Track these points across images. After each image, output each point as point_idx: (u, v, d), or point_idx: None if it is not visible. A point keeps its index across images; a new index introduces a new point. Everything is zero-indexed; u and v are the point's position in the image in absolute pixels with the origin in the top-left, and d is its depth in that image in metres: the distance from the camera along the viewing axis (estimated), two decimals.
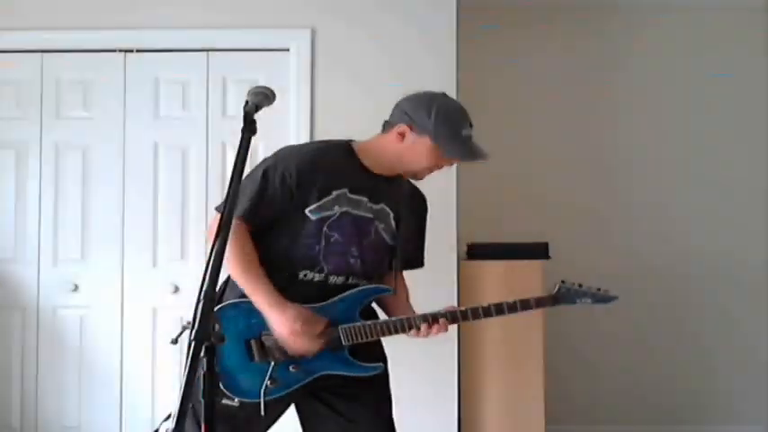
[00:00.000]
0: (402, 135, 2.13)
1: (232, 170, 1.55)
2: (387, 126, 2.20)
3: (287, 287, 2.05)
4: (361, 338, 2.09)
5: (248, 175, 2.07)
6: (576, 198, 4.40)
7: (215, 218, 2.08)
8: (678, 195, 4.40)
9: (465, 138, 2.13)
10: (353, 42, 3.61)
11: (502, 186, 4.34)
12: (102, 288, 3.62)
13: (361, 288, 2.13)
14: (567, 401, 4.12)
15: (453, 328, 3.49)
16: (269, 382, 2.02)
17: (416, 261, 2.35)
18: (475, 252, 3.65)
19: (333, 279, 2.10)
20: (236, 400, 2.03)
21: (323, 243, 2.07)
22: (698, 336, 4.36)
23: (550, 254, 3.64)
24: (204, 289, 1.40)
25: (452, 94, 3.55)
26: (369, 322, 2.11)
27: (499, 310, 2.16)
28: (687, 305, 4.36)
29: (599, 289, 2.21)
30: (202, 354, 1.39)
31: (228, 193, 1.52)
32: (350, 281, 2.12)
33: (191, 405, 1.43)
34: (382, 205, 2.17)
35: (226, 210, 1.53)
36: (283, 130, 3.56)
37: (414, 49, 3.60)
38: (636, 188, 4.42)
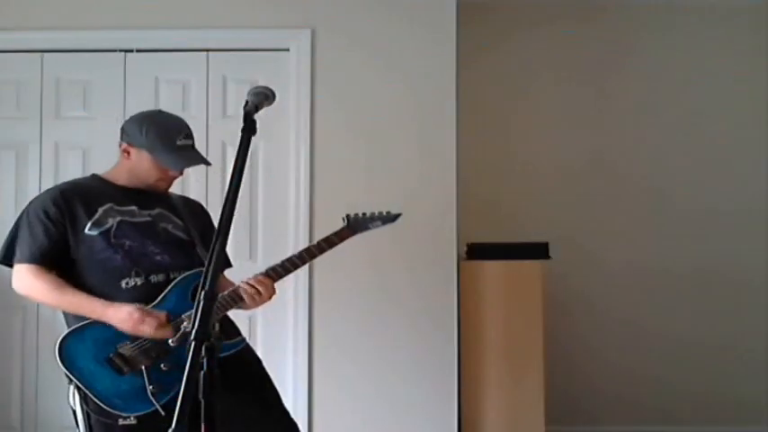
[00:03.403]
0: (127, 152, 2.30)
1: (232, 170, 1.55)
2: (119, 147, 2.35)
3: (117, 300, 2.14)
4: None
5: (13, 229, 2.23)
6: (576, 198, 4.39)
7: (18, 272, 2.21)
8: (678, 195, 4.40)
9: (180, 147, 2.28)
10: (353, 42, 3.61)
11: (502, 186, 4.34)
12: None
13: (181, 277, 2.23)
14: (567, 401, 4.12)
15: (453, 327, 3.52)
16: (151, 387, 2.10)
17: (224, 262, 2.45)
18: (475, 252, 3.65)
19: (153, 278, 2.21)
20: (131, 417, 2.09)
21: (121, 251, 2.19)
22: (698, 336, 4.36)
23: (550, 254, 3.64)
24: (204, 289, 1.41)
25: (452, 93, 3.60)
26: None
27: (309, 253, 2.30)
28: (687, 305, 4.36)
29: (381, 212, 2.42)
30: (202, 354, 1.39)
31: (228, 195, 1.52)
32: (171, 276, 2.23)
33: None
34: (158, 209, 2.32)
35: (226, 209, 1.52)
36: (283, 130, 3.57)
37: (414, 48, 3.60)
38: (636, 188, 4.41)
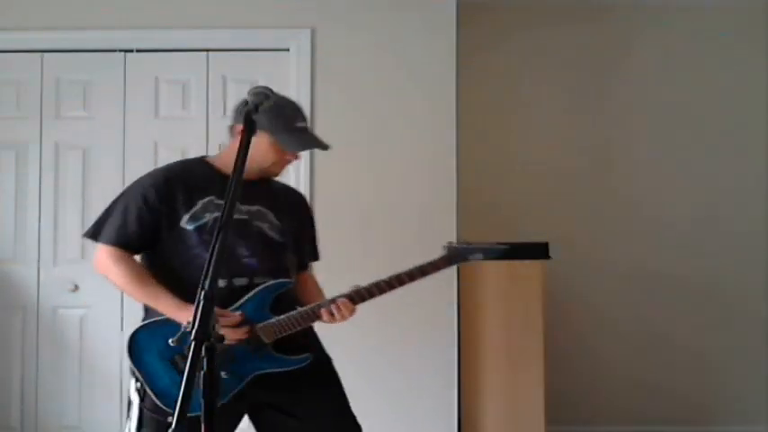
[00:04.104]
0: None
1: (232, 170, 1.55)
2: (230, 131, 2.26)
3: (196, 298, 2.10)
4: (279, 333, 2.14)
5: (109, 206, 2.21)
6: (577, 198, 4.39)
7: (100, 250, 2.18)
8: (678, 195, 4.40)
9: (300, 129, 2.22)
10: (353, 42, 3.61)
11: (502, 186, 4.34)
12: (102, 288, 3.59)
13: (262, 286, 2.17)
14: (567, 401, 4.11)
15: (453, 327, 3.51)
16: None
17: (312, 255, 2.45)
18: None
19: (237, 282, 2.15)
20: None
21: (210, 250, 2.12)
22: (698, 336, 4.36)
23: (550, 254, 3.63)
24: (204, 289, 1.41)
25: (452, 93, 3.60)
26: (282, 317, 2.15)
27: (399, 280, 2.21)
28: (687, 305, 4.36)
29: (485, 244, 2.28)
30: (202, 354, 1.39)
31: (228, 195, 1.52)
32: (254, 281, 2.17)
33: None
34: (257, 207, 2.24)
35: (225, 210, 1.53)
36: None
37: (413, 48, 3.60)
38: (636, 188, 4.41)
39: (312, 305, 2.19)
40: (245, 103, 2.20)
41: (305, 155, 3.57)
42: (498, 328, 3.53)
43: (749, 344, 4.36)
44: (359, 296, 2.20)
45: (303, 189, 3.56)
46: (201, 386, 1.39)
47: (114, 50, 3.65)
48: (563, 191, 4.39)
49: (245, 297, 2.14)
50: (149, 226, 2.13)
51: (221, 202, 2.13)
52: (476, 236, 3.75)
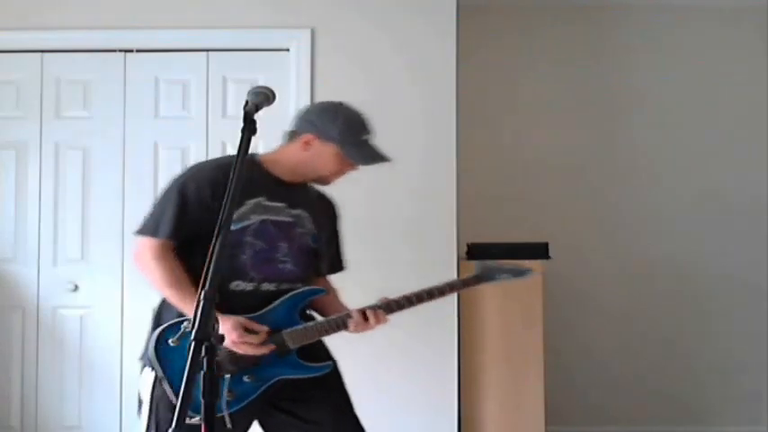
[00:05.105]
0: (308, 143, 2.20)
1: (232, 170, 1.55)
2: (292, 135, 2.25)
3: (221, 301, 2.06)
4: (306, 340, 2.14)
5: (161, 196, 2.14)
6: (577, 198, 4.39)
7: (141, 244, 2.13)
8: (678, 196, 4.40)
9: (366, 142, 2.22)
10: (353, 43, 3.61)
11: (502, 186, 4.34)
12: (102, 288, 3.62)
13: (297, 291, 2.16)
14: (567, 401, 4.12)
15: (453, 327, 3.52)
16: (227, 395, 2.05)
17: (338, 264, 2.42)
18: (475, 252, 3.65)
19: (264, 286, 2.12)
20: (198, 417, 2.04)
21: (248, 252, 2.10)
22: (698, 336, 4.36)
23: (550, 254, 3.64)
24: (204, 289, 1.41)
25: (452, 93, 3.60)
26: (311, 323, 2.16)
27: (430, 294, 2.23)
28: (687, 305, 4.36)
29: (513, 266, 2.37)
30: (202, 354, 1.39)
31: (229, 193, 1.52)
32: (282, 287, 2.15)
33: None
34: (299, 210, 2.22)
35: (225, 212, 1.53)
36: (283, 130, 3.56)
37: (413, 48, 3.60)
38: (636, 188, 4.42)
39: (342, 314, 2.18)
40: (309, 110, 2.25)
41: None
42: (498, 328, 3.54)
43: (749, 344, 4.36)
44: (388, 308, 2.20)
45: None
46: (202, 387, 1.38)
47: (114, 50, 3.65)
48: (563, 190, 4.39)
49: (278, 301, 2.12)
50: (196, 222, 2.05)
51: (269, 203, 2.13)
52: (476, 236, 3.77)
